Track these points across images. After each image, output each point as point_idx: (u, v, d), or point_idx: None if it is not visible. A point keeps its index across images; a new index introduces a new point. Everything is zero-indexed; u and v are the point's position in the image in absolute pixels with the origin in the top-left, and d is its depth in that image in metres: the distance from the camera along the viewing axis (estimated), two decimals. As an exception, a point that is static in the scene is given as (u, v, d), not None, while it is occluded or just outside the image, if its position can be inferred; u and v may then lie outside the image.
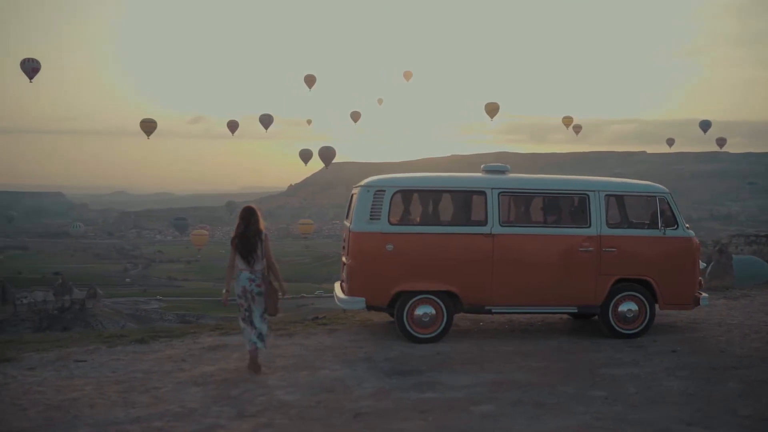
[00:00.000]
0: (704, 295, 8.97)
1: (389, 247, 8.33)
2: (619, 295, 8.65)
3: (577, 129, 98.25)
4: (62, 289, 66.89)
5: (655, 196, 8.84)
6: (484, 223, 8.50)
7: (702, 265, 9.13)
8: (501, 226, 8.49)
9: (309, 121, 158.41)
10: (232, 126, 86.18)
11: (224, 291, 7.09)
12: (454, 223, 8.75)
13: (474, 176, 8.98)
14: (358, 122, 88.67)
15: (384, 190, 8.47)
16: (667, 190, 8.96)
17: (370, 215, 8.40)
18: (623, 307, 8.66)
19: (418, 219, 8.75)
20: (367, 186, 8.57)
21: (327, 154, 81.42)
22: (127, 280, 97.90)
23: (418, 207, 8.78)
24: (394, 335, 8.58)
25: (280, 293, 7.15)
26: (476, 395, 6.31)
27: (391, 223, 8.41)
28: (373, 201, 8.41)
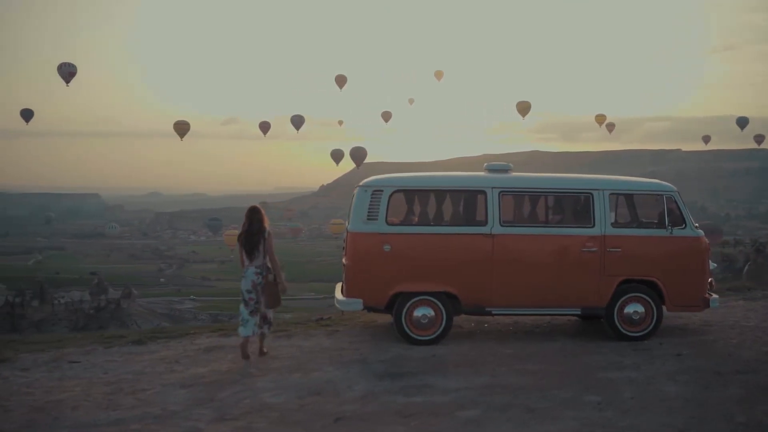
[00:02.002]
0: (714, 296, 8.69)
1: (387, 247, 8.23)
2: (625, 297, 8.42)
3: (610, 127, 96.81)
4: (98, 289, 68.08)
5: (662, 195, 8.59)
6: (484, 223, 8.34)
7: (712, 265, 8.84)
8: (501, 226, 8.32)
9: (340, 122, 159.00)
10: (264, 127, 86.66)
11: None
12: (453, 223, 8.61)
13: (474, 175, 8.83)
14: (389, 122, 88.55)
15: (382, 190, 8.36)
16: (675, 189, 8.71)
17: (368, 215, 8.30)
18: (629, 309, 8.43)
19: (416, 219, 8.63)
20: (365, 186, 8.48)
21: (358, 154, 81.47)
22: (162, 280, 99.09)
23: (417, 207, 8.65)
24: (393, 337, 8.47)
25: (280, 289, 7.62)
26: (464, 399, 6.17)
27: (388, 224, 8.30)
28: (371, 201, 8.31)
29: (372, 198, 8.32)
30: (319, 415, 5.77)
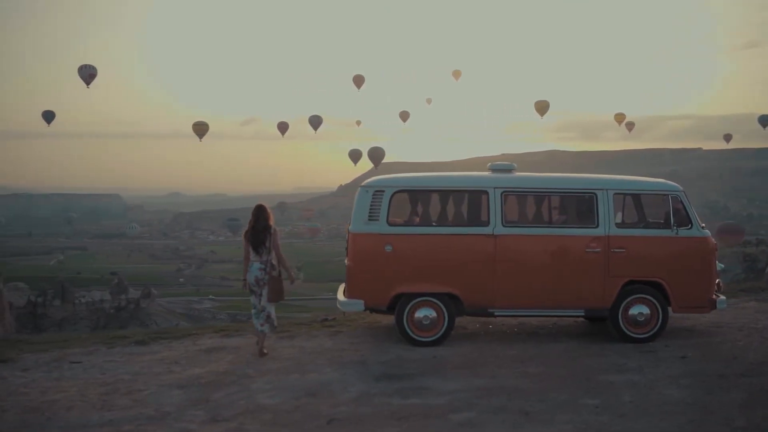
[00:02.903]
0: (722, 297, 8.53)
1: (388, 248, 8.18)
2: (630, 298, 8.31)
3: (630, 126, 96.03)
4: (118, 289, 68.71)
5: (667, 195, 8.46)
6: (486, 223, 8.27)
7: (719, 266, 8.70)
8: (504, 226, 8.24)
9: (358, 122, 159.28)
10: (282, 127, 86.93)
11: (243, 279, 8.00)
12: (455, 223, 8.55)
13: (476, 175, 8.76)
14: (407, 122, 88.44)
15: (383, 191, 8.32)
16: (681, 188, 8.57)
17: (369, 216, 8.26)
18: (634, 311, 8.31)
19: (418, 219, 8.57)
20: (366, 187, 8.43)
21: (376, 154, 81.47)
22: (181, 279, 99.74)
23: (419, 207, 8.60)
24: (395, 338, 8.41)
25: (289, 281, 8.10)
26: (459, 402, 6.11)
27: (390, 224, 8.25)
28: (372, 201, 8.27)
29: (373, 198, 8.28)
30: (312, 416, 5.74)
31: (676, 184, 8.65)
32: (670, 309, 8.39)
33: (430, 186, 8.68)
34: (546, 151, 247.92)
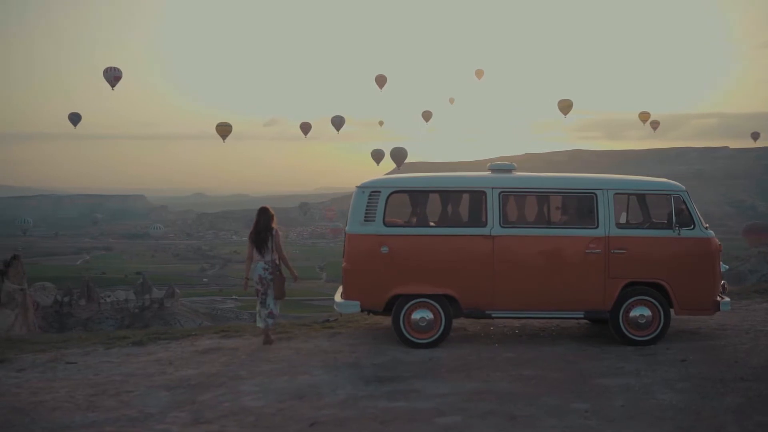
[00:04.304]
0: (726, 299, 8.35)
1: (384, 249, 8.12)
2: (631, 300, 8.16)
3: (655, 125, 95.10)
4: (143, 289, 69.55)
5: (669, 194, 8.29)
6: (483, 224, 8.17)
7: (724, 267, 8.50)
8: (502, 227, 8.14)
9: (381, 123, 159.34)
10: (305, 128, 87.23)
11: (245, 278, 8.55)
12: (452, 224, 8.46)
13: (474, 175, 8.67)
14: (429, 122, 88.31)
15: (379, 191, 8.25)
16: (683, 188, 8.40)
17: (365, 217, 8.21)
18: (635, 313, 8.15)
19: (414, 220, 8.49)
20: (363, 187, 8.37)
21: (399, 154, 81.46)
22: (204, 279, 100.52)
23: (415, 208, 8.51)
24: (394, 340, 8.33)
25: (292, 279, 8.64)
26: (447, 405, 6.02)
27: (386, 225, 8.19)
28: (368, 202, 8.21)
29: (369, 199, 8.22)
30: (294, 419, 5.69)
31: (679, 184, 8.49)
32: (672, 311, 8.24)
33: (427, 186, 8.60)
34: (569, 151, 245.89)
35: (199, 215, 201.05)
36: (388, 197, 8.22)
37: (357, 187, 8.45)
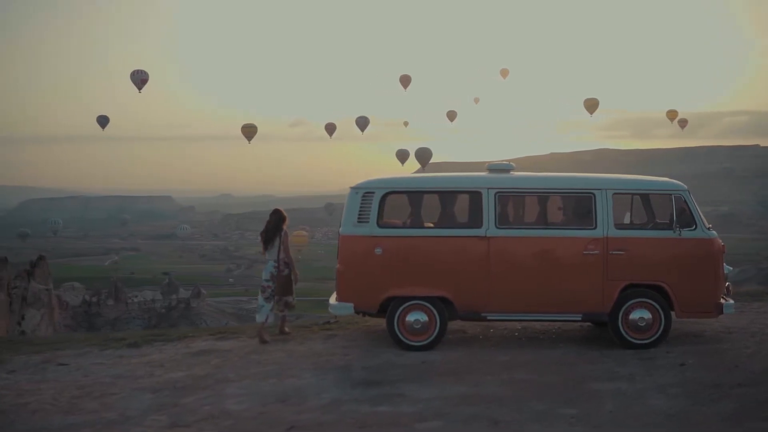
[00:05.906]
0: (729, 301, 8.12)
1: (378, 250, 8.02)
2: (630, 302, 7.96)
3: (683, 123, 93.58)
4: (169, 289, 70.33)
5: (670, 194, 8.08)
6: (479, 225, 8.03)
7: (728, 269, 8.27)
8: (497, 228, 8.00)
9: (405, 123, 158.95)
10: (330, 129, 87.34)
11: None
12: (447, 225, 8.33)
13: (469, 176, 8.55)
14: (454, 122, 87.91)
15: (373, 192, 8.16)
16: (685, 187, 8.18)
17: (358, 218, 8.12)
18: (635, 315, 7.95)
19: (409, 221, 8.38)
20: (356, 188, 8.28)
21: (423, 155, 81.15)
22: (230, 280, 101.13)
23: (410, 209, 8.41)
24: (389, 343, 8.22)
25: (293, 279, 8.92)
26: (430, 410, 5.91)
27: (380, 226, 8.09)
28: (362, 203, 8.13)
29: (363, 200, 8.13)
30: (273, 423, 5.62)
31: (681, 183, 8.27)
32: (673, 314, 8.03)
33: (422, 187, 8.49)
34: (595, 150, 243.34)
35: (225, 216, 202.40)
36: (381, 198, 8.13)
37: (350, 187, 8.37)
